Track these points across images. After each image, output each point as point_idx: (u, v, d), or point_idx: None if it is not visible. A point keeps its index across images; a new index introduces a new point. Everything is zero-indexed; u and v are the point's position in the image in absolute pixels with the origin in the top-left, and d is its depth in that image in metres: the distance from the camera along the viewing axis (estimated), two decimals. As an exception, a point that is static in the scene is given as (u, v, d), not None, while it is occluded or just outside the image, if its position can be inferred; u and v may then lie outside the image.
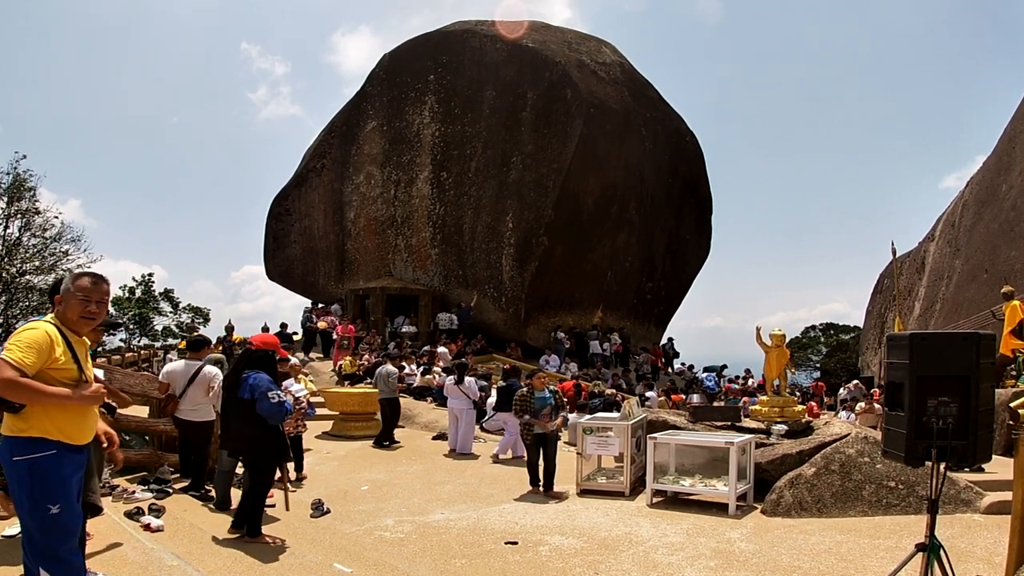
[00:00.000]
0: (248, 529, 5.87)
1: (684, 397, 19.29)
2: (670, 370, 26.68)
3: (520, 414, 8.82)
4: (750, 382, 24.02)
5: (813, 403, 21.12)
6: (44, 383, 3.55)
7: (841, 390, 22.39)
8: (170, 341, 35.39)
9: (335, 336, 21.28)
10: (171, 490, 7.45)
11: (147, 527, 5.93)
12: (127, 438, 8.54)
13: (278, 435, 5.94)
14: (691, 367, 27.08)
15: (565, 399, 9.25)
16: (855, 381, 23.65)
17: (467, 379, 12.45)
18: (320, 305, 25.69)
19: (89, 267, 28.16)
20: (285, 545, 5.90)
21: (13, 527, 5.35)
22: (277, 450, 5.98)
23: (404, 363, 17.49)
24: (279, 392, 5.87)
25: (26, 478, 3.56)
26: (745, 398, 18.94)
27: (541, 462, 8.79)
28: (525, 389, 9.02)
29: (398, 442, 12.82)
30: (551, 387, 9.31)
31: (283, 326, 22.34)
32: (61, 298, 3.78)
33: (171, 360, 13.60)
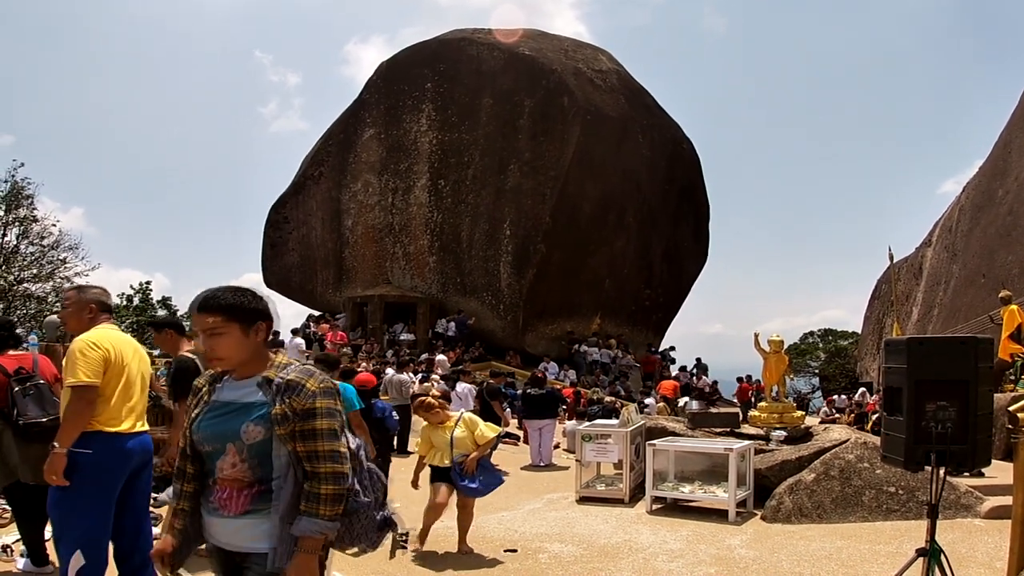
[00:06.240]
0: None
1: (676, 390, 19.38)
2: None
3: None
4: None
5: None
6: None
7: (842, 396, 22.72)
8: None
9: (327, 343, 21.21)
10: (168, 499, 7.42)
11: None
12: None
13: None
14: (698, 359, 27.65)
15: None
16: (861, 390, 23.92)
17: (460, 385, 12.34)
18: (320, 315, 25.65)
19: (87, 275, 28.22)
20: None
21: (11, 534, 5.32)
22: None
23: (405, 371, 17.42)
24: None
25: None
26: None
27: None
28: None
29: (412, 451, 12.57)
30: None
31: (275, 334, 22.27)
32: None
33: None
